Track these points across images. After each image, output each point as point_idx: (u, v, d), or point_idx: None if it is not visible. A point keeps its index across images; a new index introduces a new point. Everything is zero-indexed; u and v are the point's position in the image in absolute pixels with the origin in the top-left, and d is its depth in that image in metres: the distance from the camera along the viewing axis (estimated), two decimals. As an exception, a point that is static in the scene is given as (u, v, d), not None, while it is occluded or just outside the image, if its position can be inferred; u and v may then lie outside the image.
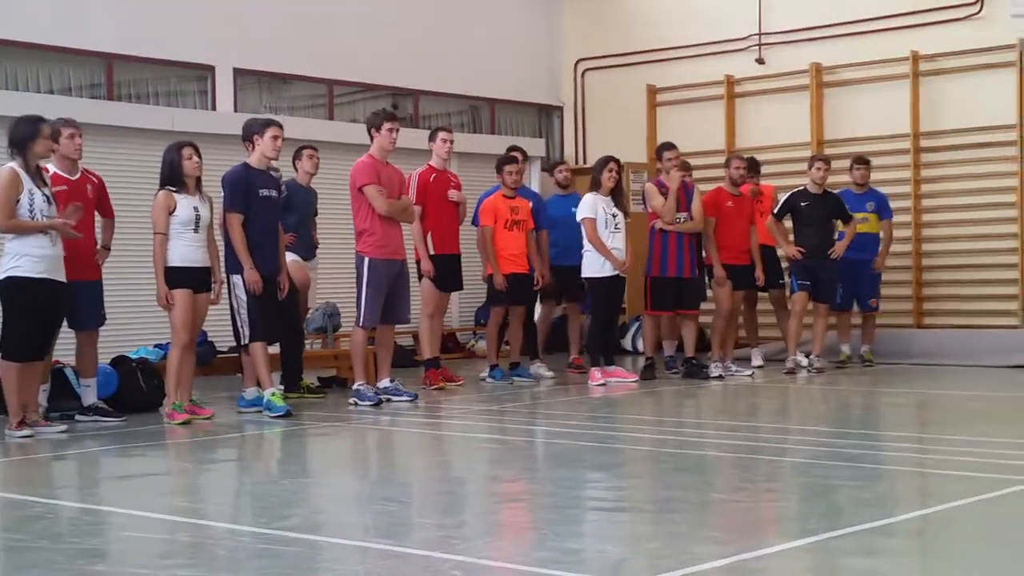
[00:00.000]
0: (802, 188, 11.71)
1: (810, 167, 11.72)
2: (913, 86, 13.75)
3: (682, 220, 11.13)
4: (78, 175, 8.75)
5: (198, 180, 8.75)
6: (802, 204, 11.59)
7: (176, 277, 8.58)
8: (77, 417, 8.65)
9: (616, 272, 10.72)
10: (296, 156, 10.46)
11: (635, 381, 10.85)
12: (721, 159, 13.54)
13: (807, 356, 11.72)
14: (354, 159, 9.96)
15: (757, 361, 12.13)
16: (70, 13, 12.03)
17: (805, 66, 14.47)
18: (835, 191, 12.00)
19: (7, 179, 7.82)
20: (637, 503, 5.80)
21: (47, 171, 8.36)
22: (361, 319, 9.59)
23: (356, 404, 9.42)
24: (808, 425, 8.80)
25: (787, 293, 12.08)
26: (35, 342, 8.01)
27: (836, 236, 11.79)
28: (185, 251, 8.63)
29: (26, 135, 7.91)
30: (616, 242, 10.71)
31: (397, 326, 10.09)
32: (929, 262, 13.85)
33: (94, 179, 8.92)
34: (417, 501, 6.11)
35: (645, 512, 5.55)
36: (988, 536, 4.98)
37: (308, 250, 10.32)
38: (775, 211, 11.70)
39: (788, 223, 11.85)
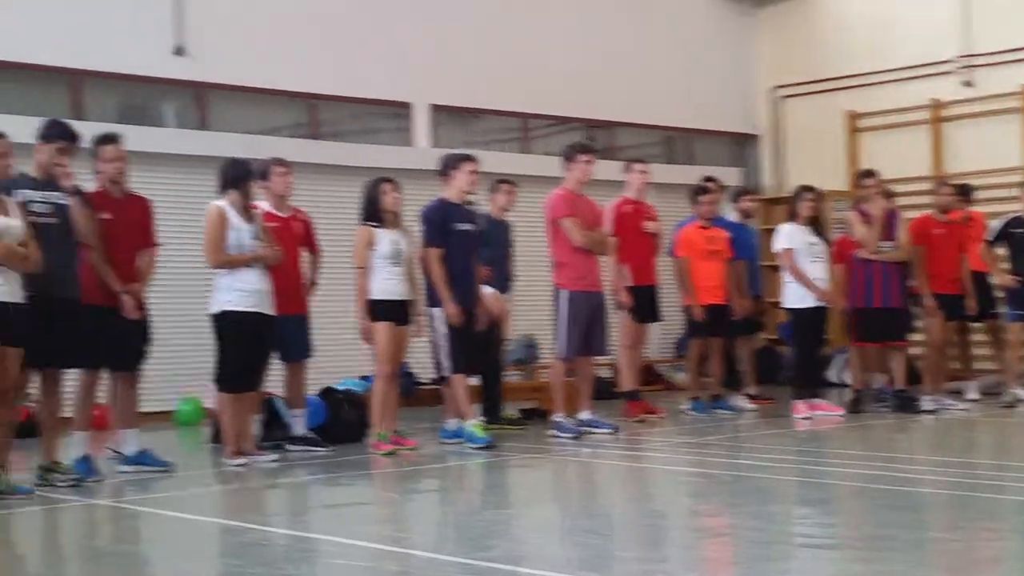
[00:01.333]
0: (1017, 214, 11.27)
1: None
2: None
3: (887, 249, 10.87)
4: (288, 213, 9.10)
5: (398, 215, 8.96)
6: (1017, 231, 11.16)
7: (379, 310, 8.79)
8: (287, 447, 8.93)
9: (819, 303, 10.52)
10: (492, 190, 10.62)
11: (841, 414, 10.59)
12: (926, 186, 13.20)
13: None
14: (548, 192, 10.05)
15: (972, 394, 11.68)
16: (274, 57, 12.52)
17: (1016, 88, 13.98)
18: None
19: (215, 217, 8.18)
20: (847, 540, 5.65)
21: (256, 207, 8.71)
22: (560, 351, 9.64)
23: (556, 436, 9.46)
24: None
25: (1003, 323, 11.62)
26: (247, 373, 8.32)
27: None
28: (387, 284, 8.82)
29: (240, 175, 8.27)
30: (817, 272, 10.53)
31: (596, 358, 10.11)
32: None
33: (302, 217, 9.26)
34: (619, 534, 6.08)
35: (856, 550, 5.39)
36: None
37: (504, 283, 10.46)
38: (989, 238, 11.29)
39: (1002, 250, 11.43)
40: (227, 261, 8.16)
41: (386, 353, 8.77)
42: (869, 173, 11.32)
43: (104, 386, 8.19)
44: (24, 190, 7.33)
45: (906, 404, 10.90)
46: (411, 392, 10.33)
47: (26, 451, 7.71)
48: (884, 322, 10.89)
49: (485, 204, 10.53)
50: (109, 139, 8.08)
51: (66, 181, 7.57)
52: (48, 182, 7.50)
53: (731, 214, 12.16)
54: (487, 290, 9.81)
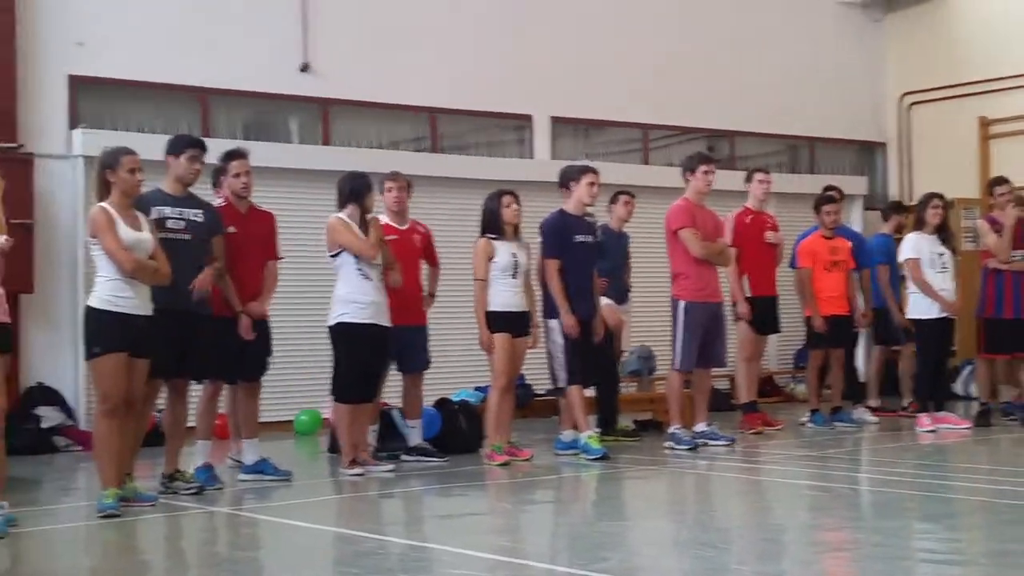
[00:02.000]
0: None
1: None
2: None
3: (1019, 258, 10.59)
4: (406, 225, 9.19)
5: (517, 227, 8.99)
6: None
7: (496, 321, 8.82)
8: (403, 457, 8.98)
9: (945, 314, 10.29)
10: (612, 201, 10.60)
11: (968, 428, 10.33)
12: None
13: None
14: (669, 203, 9.98)
15: None
16: (394, 72, 12.69)
17: None
18: None
19: (338, 224, 8.31)
20: (972, 556, 5.51)
21: (379, 220, 8.83)
22: (677, 362, 9.57)
23: (672, 448, 9.39)
24: None
25: None
26: (364, 385, 8.42)
27: None
28: (505, 296, 8.86)
29: (361, 188, 8.40)
30: (943, 282, 10.32)
31: (714, 370, 10.01)
32: None
33: (421, 229, 9.33)
34: (736, 547, 6.00)
35: (981, 566, 5.27)
36: None
37: (621, 294, 10.43)
38: None
39: None
40: (366, 243, 8.23)
41: (502, 365, 8.80)
42: (1001, 180, 11.07)
43: (225, 396, 8.38)
44: (160, 206, 7.54)
45: None
46: (527, 403, 10.34)
47: (150, 459, 7.92)
48: (1014, 333, 10.62)
49: (605, 216, 10.52)
50: (237, 154, 8.27)
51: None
52: (183, 198, 7.70)
53: (883, 228, 12.04)
54: (604, 302, 9.79)
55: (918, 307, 10.41)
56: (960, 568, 5.26)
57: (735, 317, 10.48)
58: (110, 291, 6.91)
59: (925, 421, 10.32)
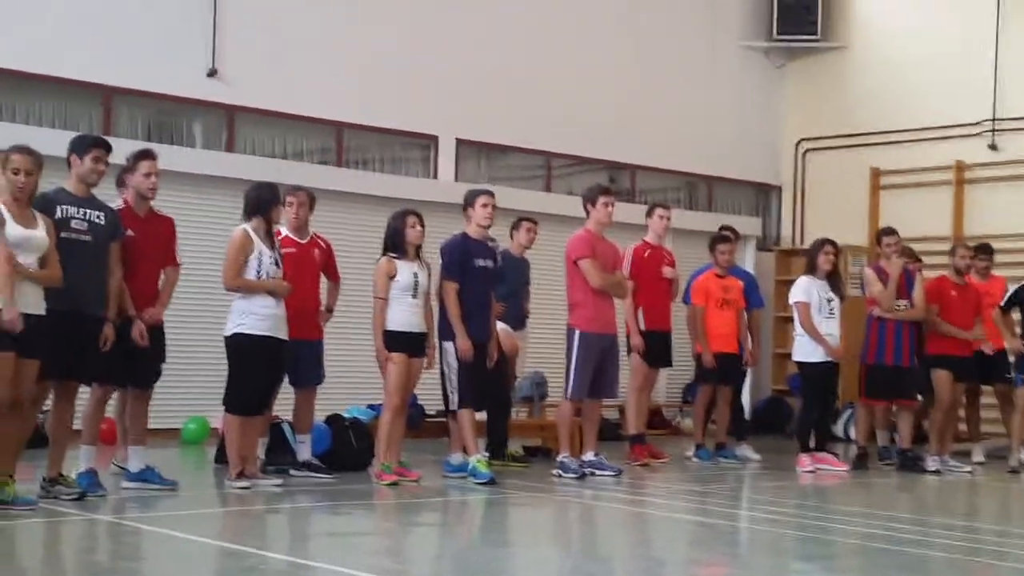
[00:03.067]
0: None
1: None
2: None
3: (902, 307, 10.87)
4: (307, 239, 9.14)
5: (419, 248, 9.00)
6: None
7: (394, 341, 8.80)
8: (291, 471, 8.92)
9: (828, 358, 10.50)
10: (514, 227, 10.67)
11: (846, 470, 10.56)
12: (947, 246, 13.16)
13: None
14: (569, 231, 10.10)
15: (978, 457, 11.64)
16: (303, 82, 12.64)
17: (1043, 152, 14.00)
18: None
19: (239, 241, 8.24)
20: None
21: (278, 234, 8.77)
22: (570, 391, 9.64)
23: (560, 476, 9.45)
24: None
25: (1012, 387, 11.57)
26: (257, 397, 8.35)
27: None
28: (403, 316, 8.83)
29: (268, 200, 8.33)
30: (830, 327, 10.51)
31: (604, 400, 10.11)
32: None
33: (322, 243, 9.29)
34: (617, 579, 6.08)
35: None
36: None
37: (518, 319, 10.49)
38: (1002, 303, 11.27)
39: (1017, 316, 11.40)
40: (242, 286, 8.21)
41: (396, 385, 8.79)
42: (889, 231, 11.34)
43: (113, 401, 8.24)
44: (64, 206, 7.41)
45: (910, 463, 10.86)
46: (418, 424, 10.32)
47: (33, 462, 7.72)
48: (894, 380, 10.89)
49: (507, 241, 10.58)
50: (147, 154, 8.09)
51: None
52: (86, 199, 7.56)
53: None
54: (500, 327, 9.84)
55: (803, 350, 10.60)
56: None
57: (628, 349, 10.61)
58: None
59: (805, 461, 10.51)
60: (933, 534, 7.67)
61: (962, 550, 7.00)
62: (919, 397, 11.27)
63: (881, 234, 11.41)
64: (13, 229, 6.82)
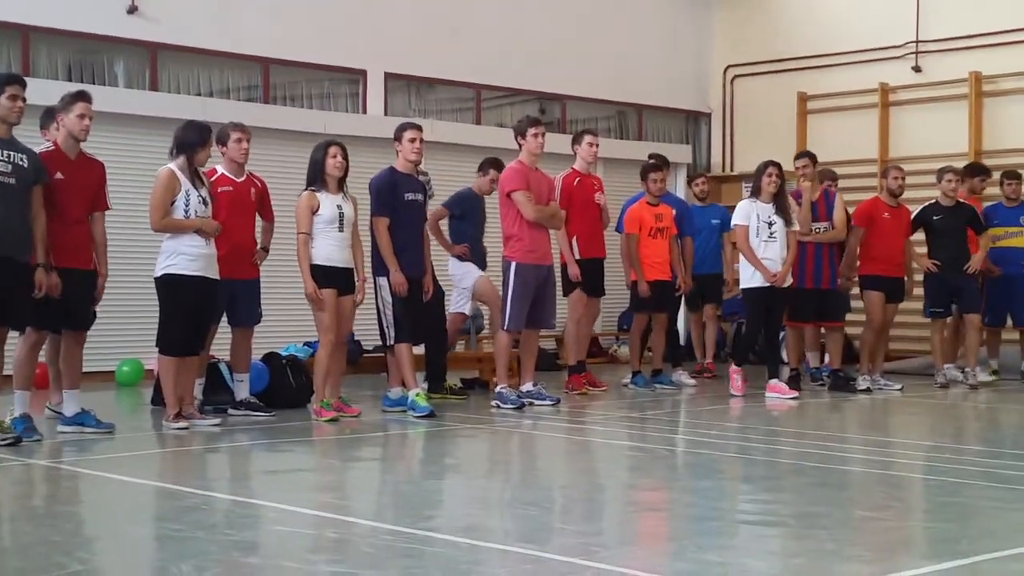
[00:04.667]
0: (934, 201, 11.46)
1: (939, 179, 11.44)
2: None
3: (821, 230, 10.96)
4: (243, 178, 9.02)
5: (342, 180, 8.89)
6: (935, 218, 11.35)
7: (321, 276, 8.73)
8: (230, 411, 8.89)
9: (766, 283, 10.35)
10: (480, 169, 10.66)
11: (794, 398, 10.35)
12: (873, 168, 13.32)
13: (963, 370, 11.46)
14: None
15: (983, 376, 11.67)
16: (228, 18, 12.41)
17: (964, 75, 14.13)
18: (990, 204, 11.72)
19: (165, 180, 8.12)
20: (781, 517, 5.71)
21: (213, 172, 8.65)
22: (506, 323, 9.65)
23: (498, 407, 9.49)
24: (960, 443, 8.54)
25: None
26: (189, 338, 8.28)
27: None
28: (329, 250, 8.77)
29: (194, 141, 8.19)
30: (769, 252, 10.34)
31: (542, 331, 10.13)
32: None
33: (258, 183, 9.16)
34: (558, 506, 6.12)
35: (789, 527, 5.47)
36: None
37: (482, 260, 10.54)
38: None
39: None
40: (169, 226, 8.11)
41: (330, 321, 8.75)
42: (800, 155, 11.46)
43: (46, 345, 8.12)
44: (-15, 148, 7.26)
45: (841, 383, 11.05)
46: (357, 360, 10.31)
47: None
48: (816, 303, 11.00)
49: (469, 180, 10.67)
50: (83, 96, 7.89)
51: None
52: (7, 140, 7.39)
53: (688, 194, 12.34)
54: (479, 274, 10.07)
55: (744, 275, 10.59)
56: (769, 528, 5.45)
57: (563, 280, 10.60)
58: None
59: (737, 383, 10.47)
60: (865, 451, 7.84)
61: (893, 465, 7.17)
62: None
63: (796, 158, 11.49)
64: None
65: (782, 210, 10.44)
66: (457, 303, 10.71)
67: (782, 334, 11.42)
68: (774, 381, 10.55)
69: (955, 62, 14.25)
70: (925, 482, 6.75)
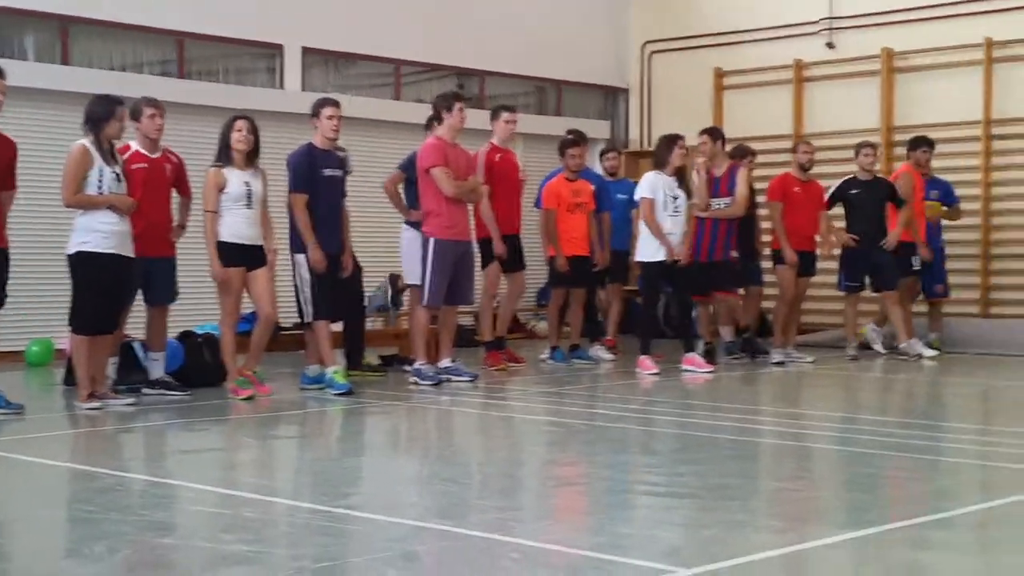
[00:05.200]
0: (851, 176, 11.66)
1: (857, 154, 11.67)
2: (986, 73, 13.58)
3: (723, 206, 11.06)
4: (158, 154, 8.88)
5: (250, 154, 8.78)
6: (852, 192, 11.56)
7: (228, 253, 8.63)
8: (144, 390, 8.80)
9: (666, 258, 10.28)
10: (429, 128, 10.56)
11: (710, 372, 10.41)
12: (788, 144, 13.47)
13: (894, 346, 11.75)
14: (419, 139, 10.01)
15: (919, 349, 11.72)
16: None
17: (876, 51, 14.34)
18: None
19: (77, 156, 7.99)
20: (693, 489, 5.78)
21: (127, 149, 8.53)
22: (425, 299, 9.63)
23: (417, 383, 9.49)
24: (870, 415, 8.70)
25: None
26: (103, 316, 8.16)
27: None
28: (238, 227, 8.68)
29: (101, 115, 8.05)
30: (673, 226, 10.32)
31: (460, 307, 10.13)
32: (999, 251, 13.67)
33: (174, 159, 9.03)
34: (476, 482, 6.14)
35: (700, 499, 5.53)
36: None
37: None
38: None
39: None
40: (82, 201, 7.98)
41: (231, 304, 8.70)
42: (704, 131, 11.48)
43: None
44: None
45: (751, 347, 11.33)
46: (273, 337, 10.23)
47: None
48: (707, 276, 11.02)
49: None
50: None
51: None
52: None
53: (597, 169, 12.32)
54: None
55: (645, 249, 10.39)
56: (682, 501, 5.51)
57: (482, 256, 10.60)
58: None
59: (647, 363, 10.33)
60: (776, 423, 7.97)
61: (804, 437, 7.30)
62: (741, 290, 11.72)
63: (700, 134, 11.56)
64: None
65: (684, 184, 10.45)
66: (414, 274, 10.11)
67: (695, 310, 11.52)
68: (690, 355, 10.60)
69: (867, 39, 14.43)
70: (836, 453, 6.87)
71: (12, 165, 7.98)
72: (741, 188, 11.12)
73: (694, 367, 10.47)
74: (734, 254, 11.31)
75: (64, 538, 4.94)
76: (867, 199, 11.54)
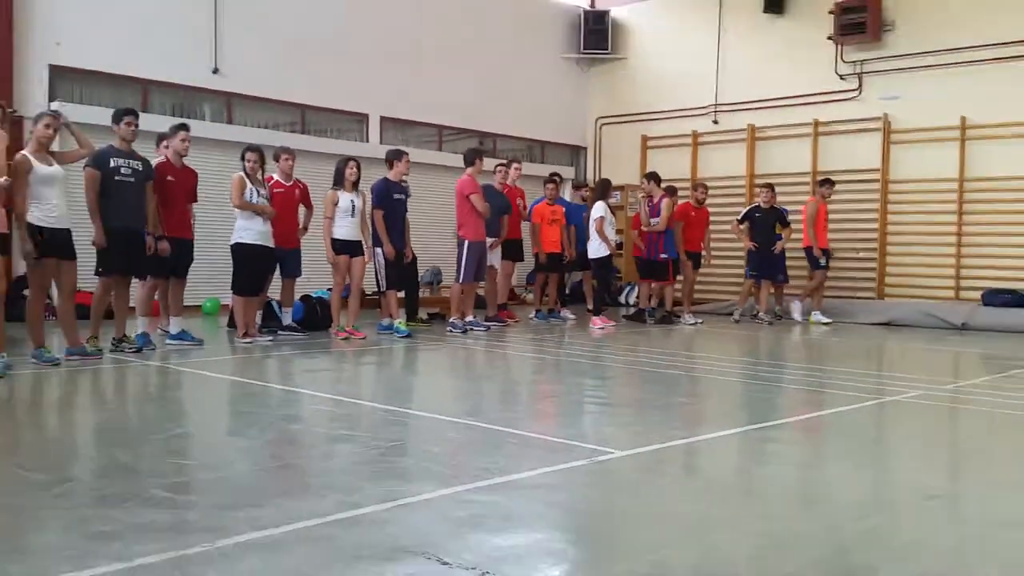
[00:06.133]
0: (756, 204, 11.71)
1: (760, 193, 11.69)
2: (814, 142, 13.53)
3: (653, 224, 11.08)
4: (290, 183, 8.87)
5: (355, 183, 8.75)
6: (756, 215, 11.58)
7: (339, 246, 8.65)
8: (279, 332, 8.80)
9: (610, 252, 10.78)
10: (496, 170, 10.54)
11: (614, 325, 10.60)
12: (687, 184, 13.45)
13: (755, 315, 11.71)
14: (454, 177, 9.99)
15: (796, 315, 11.67)
16: (279, 77, 12.08)
17: (744, 126, 14.26)
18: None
19: (237, 180, 8.05)
20: (623, 402, 5.82)
21: (271, 179, 8.53)
22: (460, 278, 9.63)
23: (451, 331, 9.50)
24: (730, 356, 8.69)
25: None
26: (253, 284, 8.18)
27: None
28: (344, 229, 8.68)
29: (251, 155, 8.05)
30: (612, 234, 10.79)
31: (480, 283, 10.12)
32: (891, 249, 13.56)
33: (301, 185, 9.02)
34: (487, 395, 6.14)
35: (628, 407, 5.56)
36: (857, 431, 4.95)
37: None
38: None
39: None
40: (242, 205, 7.99)
41: (339, 276, 8.69)
42: (647, 174, 11.54)
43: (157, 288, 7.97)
44: (114, 158, 7.10)
45: (667, 319, 11.22)
46: (362, 300, 10.22)
47: (104, 328, 7.46)
48: (647, 268, 11.24)
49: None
50: (184, 127, 7.79)
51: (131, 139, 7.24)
52: (127, 152, 7.22)
53: (572, 198, 12.34)
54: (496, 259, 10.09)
55: (598, 250, 10.74)
56: (616, 408, 5.50)
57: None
58: (43, 212, 6.36)
59: (598, 322, 10.59)
60: (678, 361, 7.95)
61: (696, 370, 7.28)
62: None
63: (644, 178, 11.60)
64: (38, 167, 6.37)
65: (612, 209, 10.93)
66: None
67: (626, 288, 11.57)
68: (596, 317, 10.69)
69: (740, 117, 14.38)
70: (716, 381, 6.88)
71: (195, 187, 7.97)
72: (665, 212, 11.16)
73: (604, 323, 10.61)
74: (663, 256, 11.30)
75: (229, 425, 4.97)
76: (764, 220, 11.52)
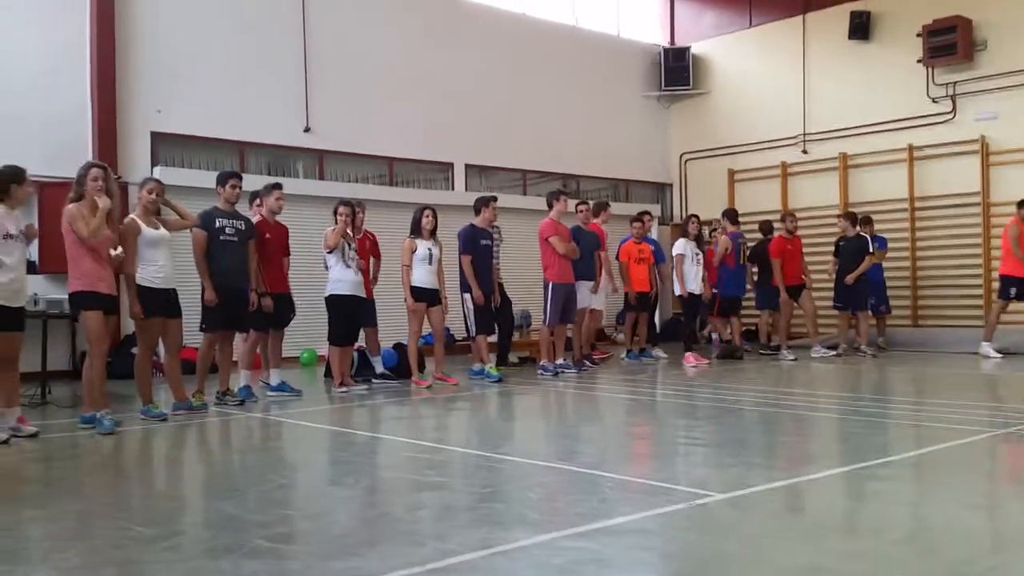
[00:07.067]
0: (842, 234, 11.42)
1: (837, 221, 11.33)
2: (909, 167, 13.11)
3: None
4: (360, 235, 9.03)
5: (433, 231, 8.76)
6: (840, 243, 11.37)
7: (416, 293, 8.68)
8: (372, 380, 8.92)
9: (694, 291, 10.69)
10: (594, 212, 10.59)
11: (707, 363, 10.39)
12: (777, 216, 13.18)
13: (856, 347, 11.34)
14: (538, 219, 10.05)
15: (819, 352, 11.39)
16: (366, 133, 12.48)
17: (835, 154, 13.92)
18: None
19: (330, 232, 8.20)
20: (721, 441, 5.63)
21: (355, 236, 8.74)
22: (547, 321, 9.64)
23: (542, 374, 9.48)
24: (831, 391, 8.39)
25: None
26: (348, 334, 8.35)
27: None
28: (422, 277, 8.70)
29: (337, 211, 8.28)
30: (696, 272, 10.70)
31: (568, 325, 10.07)
32: (922, 282, 13.11)
33: (371, 236, 9.16)
34: (580, 437, 6.07)
35: (724, 448, 5.38)
36: (962, 468, 4.72)
37: (587, 277, 10.37)
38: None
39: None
40: (332, 247, 8.10)
41: (416, 324, 8.75)
42: (723, 214, 11.46)
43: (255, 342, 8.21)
44: (219, 218, 7.41)
45: (730, 354, 11.01)
46: (451, 345, 10.34)
47: (209, 382, 7.74)
48: (730, 304, 11.22)
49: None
50: (278, 185, 8.11)
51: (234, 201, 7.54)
52: (231, 213, 7.53)
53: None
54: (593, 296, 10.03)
55: (680, 287, 10.74)
56: (714, 449, 5.36)
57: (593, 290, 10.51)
58: (150, 273, 6.59)
59: (690, 358, 10.48)
60: (775, 398, 7.70)
61: (794, 408, 7.02)
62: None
63: (723, 215, 11.60)
64: (146, 231, 6.62)
65: (700, 245, 10.80)
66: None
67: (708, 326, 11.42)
68: (688, 353, 10.62)
69: (830, 146, 14.04)
70: (816, 418, 6.64)
71: (287, 241, 8.23)
72: (717, 249, 11.25)
73: (696, 360, 10.45)
74: (714, 291, 11.24)
75: (328, 473, 5.05)
76: (847, 249, 11.20)
